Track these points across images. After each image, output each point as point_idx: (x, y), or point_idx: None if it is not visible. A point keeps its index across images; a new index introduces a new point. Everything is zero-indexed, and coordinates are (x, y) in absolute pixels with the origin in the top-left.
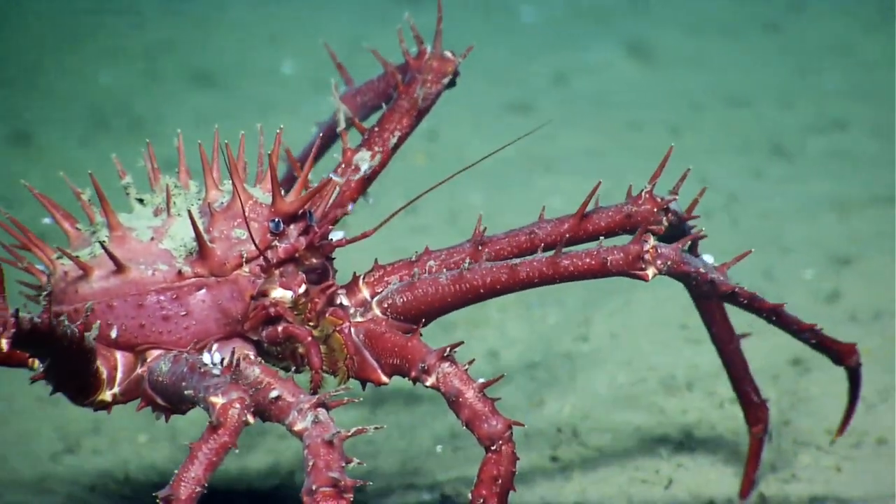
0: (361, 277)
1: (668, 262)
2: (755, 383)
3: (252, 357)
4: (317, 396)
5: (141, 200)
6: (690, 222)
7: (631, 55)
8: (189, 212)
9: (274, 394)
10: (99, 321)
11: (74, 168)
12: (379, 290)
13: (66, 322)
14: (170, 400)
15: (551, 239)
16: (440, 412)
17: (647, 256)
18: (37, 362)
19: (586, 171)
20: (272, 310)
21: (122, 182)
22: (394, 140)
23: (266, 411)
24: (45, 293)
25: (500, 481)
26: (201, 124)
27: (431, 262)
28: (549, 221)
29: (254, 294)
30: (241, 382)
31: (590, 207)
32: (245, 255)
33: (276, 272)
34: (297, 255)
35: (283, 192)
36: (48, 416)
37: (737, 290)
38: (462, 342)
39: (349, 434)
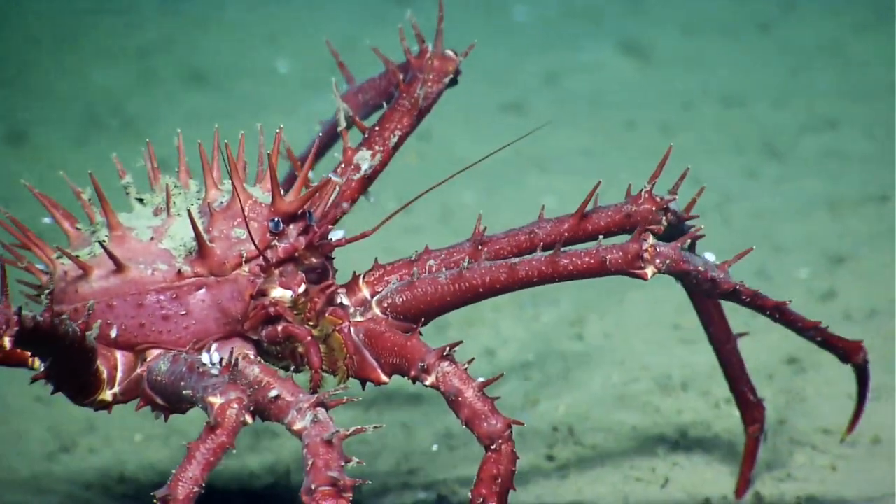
0: (361, 277)
1: (667, 261)
2: (752, 383)
3: (252, 356)
4: (316, 396)
5: (141, 200)
6: (689, 222)
7: (625, 54)
8: (189, 211)
9: (273, 393)
10: (99, 321)
11: (70, 167)
12: (379, 290)
13: (68, 321)
14: (169, 400)
15: (551, 238)
16: (435, 412)
17: (645, 255)
18: (37, 362)
19: (580, 171)
20: (272, 309)
21: (122, 182)
22: (394, 139)
23: (265, 410)
24: (46, 292)
25: (499, 480)
26: (197, 124)
27: (431, 262)
28: (549, 221)
29: (253, 293)
30: (239, 382)
31: (589, 207)
32: (245, 255)
33: (276, 272)
34: (296, 254)
35: (282, 192)
36: (43, 415)
37: (738, 287)
38: (461, 341)
39: (348, 433)
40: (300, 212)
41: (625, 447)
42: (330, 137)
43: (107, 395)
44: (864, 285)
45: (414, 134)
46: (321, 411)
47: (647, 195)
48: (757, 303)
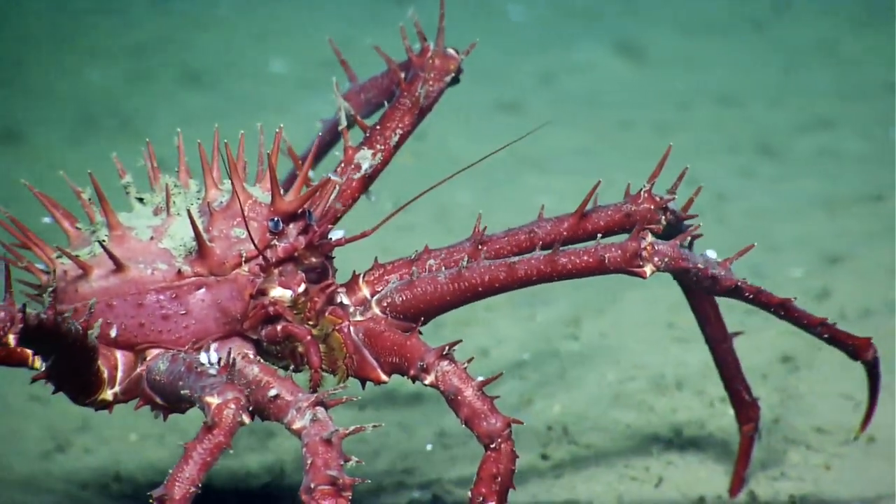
0: (361, 276)
1: (666, 259)
2: (747, 382)
3: (251, 356)
4: (315, 395)
5: (141, 199)
6: (688, 221)
7: (620, 54)
8: (188, 211)
9: (272, 392)
10: (99, 320)
11: (66, 167)
12: (379, 289)
13: (70, 319)
14: (168, 399)
15: (551, 238)
16: (431, 411)
17: (644, 253)
18: (38, 361)
19: (576, 171)
20: (271, 309)
21: (122, 181)
22: (395, 138)
23: (264, 410)
24: (49, 290)
25: (499, 479)
26: (193, 123)
27: (431, 261)
28: (549, 220)
29: (253, 293)
30: (238, 382)
31: (589, 206)
32: (244, 255)
33: (276, 271)
34: (296, 254)
35: (282, 192)
36: (39, 414)
37: (741, 284)
38: (461, 340)
39: (348, 432)
40: (300, 211)
41: (619, 446)
42: (331, 136)
43: (107, 394)
44: (860, 285)
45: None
46: (320, 410)
47: (646, 195)
48: (761, 300)
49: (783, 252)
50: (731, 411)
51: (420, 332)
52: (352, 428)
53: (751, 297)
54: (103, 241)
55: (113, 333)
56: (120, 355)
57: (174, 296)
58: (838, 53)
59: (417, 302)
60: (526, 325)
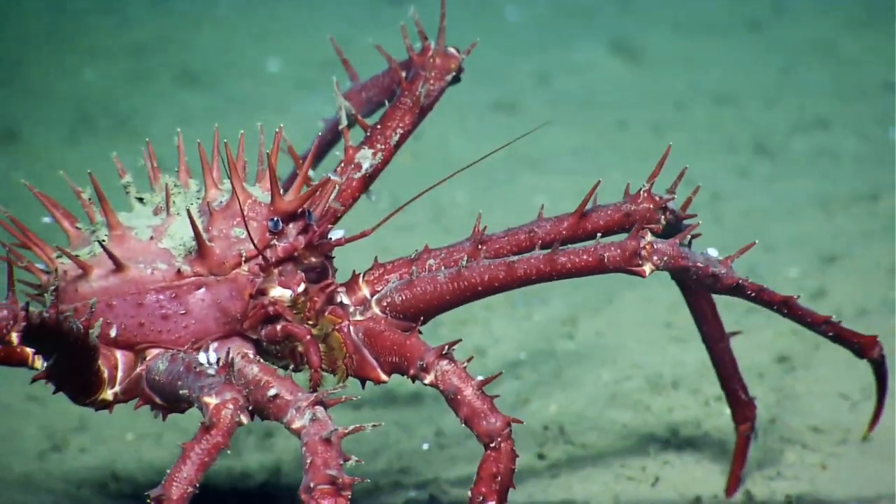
0: (361, 276)
1: (665, 258)
2: (743, 381)
3: (251, 355)
4: (315, 394)
5: (141, 199)
6: (687, 221)
7: (616, 54)
8: (188, 211)
9: (272, 392)
10: (99, 320)
11: (62, 166)
12: (379, 289)
13: (72, 318)
14: (167, 399)
15: (551, 238)
16: (427, 411)
17: (643, 252)
18: (38, 361)
19: (572, 170)
20: (271, 308)
21: (122, 181)
22: (396, 137)
23: (264, 409)
24: (52, 288)
25: (499, 478)
26: (189, 123)
27: (431, 261)
28: (549, 220)
29: (253, 293)
30: (237, 381)
31: (588, 206)
32: (244, 254)
33: (275, 271)
34: (295, 253)
35: (282, 191)
36: (35, 414)
37: (742, 282)
38: (460, 339)
39: (347, 431)
40: (299, 211)
41: (616, 446)
42: (332, 135)
43: (108, 394)
44: (856, 284)
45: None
46: (320, 410)
47: (645, 194)
48: (763, 298)
49: (779, 252)
50: (727, 411)
51: (420, 332)
52: (351, 427)
53: (753, 295)
54: (103, 240)
55: (113, 333)
56: (120, 355)
57: (174, 295)
58: (836, 53)
59: (417, 301)
60: (523, 324)
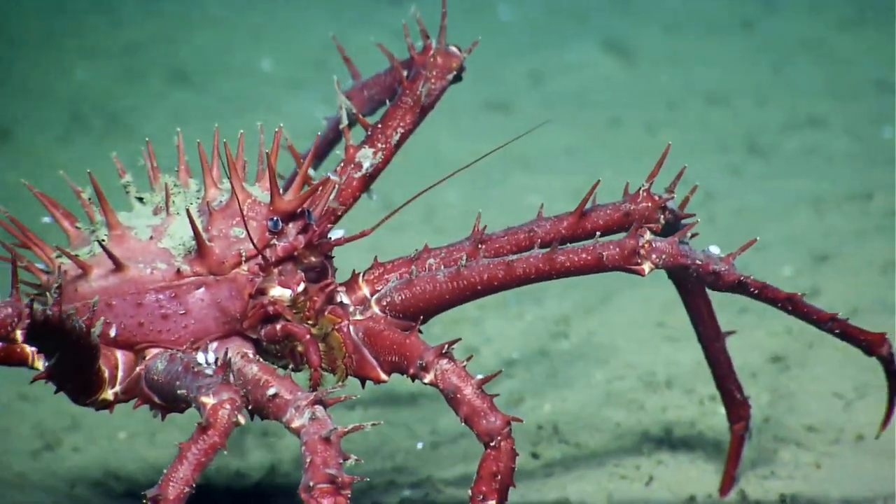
0: (361, 275)
1: (664, 256)
2: (738, 381)
3: (251, 355)
4: (314, 393)
5: (140, 199)
6: (686, 220)
7: (609, 53)
8: (187, 210)
9: (271, 391)
10: (100, 319)
11: (55, 165)
12: (378, 288)
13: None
14: (165, 399)
15: (550, 237)
16: (424, 410)
17: (642, 251)
18: (38, 361)
19: (565, 170)
20: (271, 308)
21: (122, 181)
22: (397, 137)
23: (263, 408)
24: (55, 287)
25: (499, 477)
26: (182, 122)
27: (431, 260)
28: (548, 219)
29: (252, 292)
30: (236, 381)
31: (587, 205)
32: (244, 254)
33: (275, 271)
34: (295, 253)
35: (282, 191)
36: (27, 413)
37: (744, 279)
38: (460, 339)
39: (346, 431)
40: (299, 210)
41: (609, 445)
42: (334, 134)
43: (108, 394)
44: (849, 283)
45: None
46: (319, 409)
47: (645, 193)
48: (766, 295)
49: (772, 251)
50: (721, 410)
51: (420, 331)
52: (351, 426)
53: (756, 292)
54: (103, 240)
55: (112, 333)
56: (120, 355)
57: (173, 295)
58: (828, 52)
59: (417, 301)
60: (515, 323)
